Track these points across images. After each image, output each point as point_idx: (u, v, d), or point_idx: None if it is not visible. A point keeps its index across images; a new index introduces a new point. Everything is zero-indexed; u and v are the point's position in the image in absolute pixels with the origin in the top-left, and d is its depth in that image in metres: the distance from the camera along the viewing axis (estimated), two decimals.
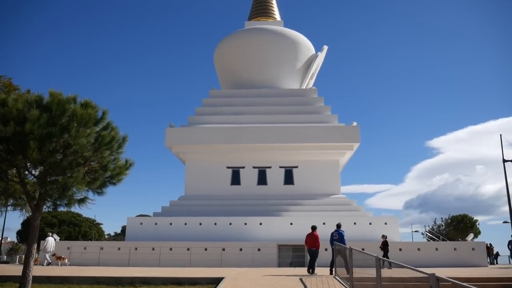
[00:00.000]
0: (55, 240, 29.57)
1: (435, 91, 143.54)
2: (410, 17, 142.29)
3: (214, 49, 42.45)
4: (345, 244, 17.08)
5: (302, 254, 27.41)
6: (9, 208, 14.10)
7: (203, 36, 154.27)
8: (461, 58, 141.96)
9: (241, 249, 27.44)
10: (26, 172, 12.07)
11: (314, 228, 18.03)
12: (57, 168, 11.34)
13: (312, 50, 40.76)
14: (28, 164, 11.80)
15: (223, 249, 27.40)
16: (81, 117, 11.08)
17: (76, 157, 11.32)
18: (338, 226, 18.15)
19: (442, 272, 8.50)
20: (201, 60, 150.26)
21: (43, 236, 27.61)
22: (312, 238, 17.65)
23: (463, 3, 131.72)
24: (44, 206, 12.57)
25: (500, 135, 28.95)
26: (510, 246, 28.99)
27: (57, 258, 25.45)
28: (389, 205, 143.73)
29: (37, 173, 12.19)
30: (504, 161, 27.95)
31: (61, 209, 15.08)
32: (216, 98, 38.15)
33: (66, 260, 25.76)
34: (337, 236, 17.40)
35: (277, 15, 44.93)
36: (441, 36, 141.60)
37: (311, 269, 17.26)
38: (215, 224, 30.38)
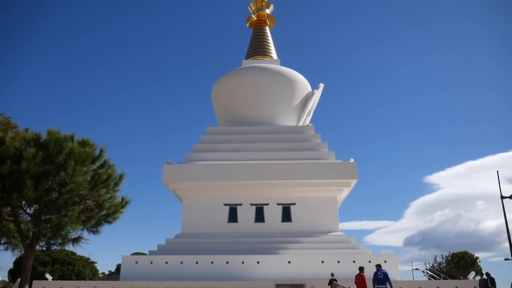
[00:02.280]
0: (47, 279, 28.91)
1: (433, 127, 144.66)
2: (408, 47, 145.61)
3: (212, 86, 43.08)
4: (391, 284, 17.55)
5: None
6: (1, 247, 13.87)
7: (202, 73, 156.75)
8: (458, 93, 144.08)
9: None
10: (21, 211, 11.97)
11: (361, 268, 19.17)
12: (52, 206, 11.27)
13: (308, 87, 41.37)
14: (23, 202, 11.72)
15: None
16: (79, 155, 11.12)
17: (72, 195, 11.28)
18: (379, 266, 18.82)
19: None
20: (198, 97, 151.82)
21: (36, 276, 26.96)
22: (360, 279, 18.75)
23: (458, 42, 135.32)
24: (38, 246, 12.39)
25: (497, 171, 28.85)
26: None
27: None
28: (388, 242, 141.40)
29: (31, 211, 12.09)
30: (502, 197, 27.78)
31: (55, 247, 14.84)
32: (214, 135, 38.33)
33: None
34: (382, 276, 18.06)
35: (274, 54, 45.89)
36: (439, 70, 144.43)
37: None
38: (212, 262, 29.81)
